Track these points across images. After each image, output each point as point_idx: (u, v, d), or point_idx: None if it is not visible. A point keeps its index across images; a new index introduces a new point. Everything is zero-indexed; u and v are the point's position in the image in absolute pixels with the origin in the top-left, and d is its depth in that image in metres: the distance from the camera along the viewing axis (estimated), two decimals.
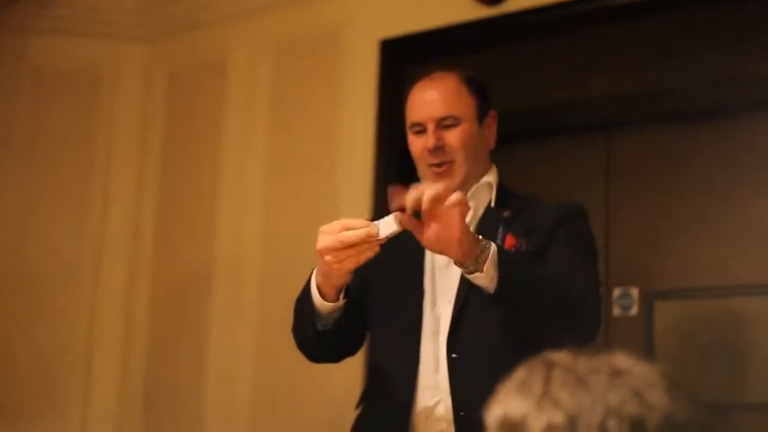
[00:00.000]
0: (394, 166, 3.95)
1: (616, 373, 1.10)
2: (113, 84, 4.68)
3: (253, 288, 4.22)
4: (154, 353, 4.44)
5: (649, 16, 3.63)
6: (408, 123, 2.47)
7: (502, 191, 2.46)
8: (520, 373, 1.15)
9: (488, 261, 2.07)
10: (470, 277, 2.12)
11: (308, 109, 4.26)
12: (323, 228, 2.14)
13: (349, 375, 3.63)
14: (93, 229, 4.56)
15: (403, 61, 4.05)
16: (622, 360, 1.11)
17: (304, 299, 2.33)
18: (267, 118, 4.35)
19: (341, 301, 2.28)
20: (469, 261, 2.08)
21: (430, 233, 2.06)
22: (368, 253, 2.11)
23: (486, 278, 2.09)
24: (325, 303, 2.27)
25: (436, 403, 2.29)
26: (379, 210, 3.94)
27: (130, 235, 4.58)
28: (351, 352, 2.52)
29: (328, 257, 2.12)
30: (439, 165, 2.40)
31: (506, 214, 2.39)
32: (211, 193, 4.42)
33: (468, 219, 2.38)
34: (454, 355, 2.28)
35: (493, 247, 2.09)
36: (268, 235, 4.24)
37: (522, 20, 3.84)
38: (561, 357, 1.14)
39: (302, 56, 4.33)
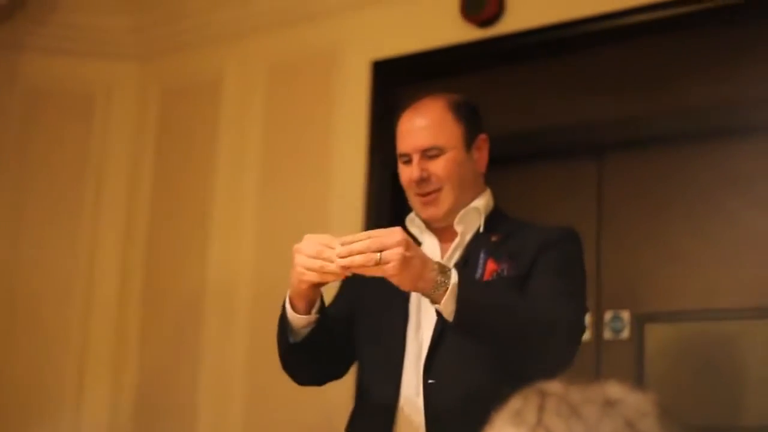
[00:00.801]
0: (387, 187, 3.96)
1: (610, 403, 1.10)
2: (106, 103, 4.69)
3: (245, 309, 4.21)
4: (146, 374, 4.43)
5: (641, 39, 3.65)
6: (397, 152, 2.48)
7: (495, 216, 2.46)
8: (514, 403, 1.16)
9: (447, 293, 2.08)
10: (434, 307, 2.13)
11: (301, 129, 4.27)
12: (299, 246, 2.17)
13: (340, 395, 3.62)
14: (85, 247, 4.56)
15: (395, 81, 4.07)
16: (615, 390, 1.12)
17: (282, 317, 2.33)
18: (260, 138, 4.36)
19: (313, 316, 2.28)
20: (427, 293, 2.10)
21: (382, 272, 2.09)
22: (330, 277, 2.14)
23: (445, 310, 2.09)
24: (296, 315, 2.27)
25: (417, 428, 2.28)
26: (372, 228, 3.96)
27: (122, 254, 4.58)
28: (335, 375, 2.51)
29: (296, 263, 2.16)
30: (424, 195, 2.41)
31: (495, 238, 2.39)
32: (204, 213, 4.42)
33: (455, 244, 2.41)
34: (431, 381, 2.28)
35: (454, 279, 2.09)
36: (260, 255, 4.24)
37: (514, 42, 3.86)
38: (554, 386, 1.14)
39: (295, 76, 4.34)
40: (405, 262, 2.03)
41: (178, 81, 4.68)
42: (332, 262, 2.10)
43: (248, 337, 4.17)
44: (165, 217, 4.56)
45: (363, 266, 2.05)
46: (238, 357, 4.18)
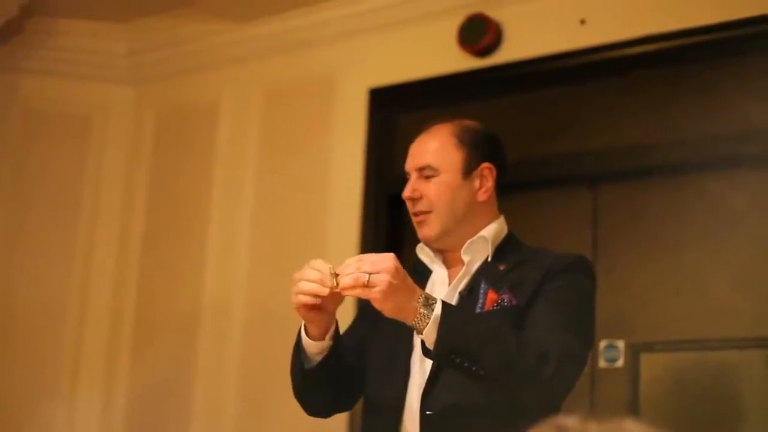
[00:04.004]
0: (383, 213, 3.98)
1: None
2: (103, 126, 4.71)
3: (239, 330, 4.22)
4: (138, 392, 4.42)
5: (637, 71, 3.68)
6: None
7: (507, 244, 2.45)
8: None
9: (429, 325, 2.08)
10: (420, 337, 2.13)
11: (297, 154, 4.28)
12: (297, 273, 2.19)
13: (335, 420, 3.63)
14: (80, 267, 4.57)
15: (392, 109, 4.08)
16: (633, 427, 1.13)
17: (297, 343, 2.34)
18: (256, 162, 4.37)
19: (327, 342, 2.28)
20: (409, 322, 2.10)
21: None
22: (320, 298, 2.15)
23: (427, 340, 2.10)
24: (310, 341, 2.28)
25: None
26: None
27: (117, 274, 4.58)
28: (344, 405, 2.51)
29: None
30: (417, 214, 2.42)
31: (502, 267, 2.37)
32: (199, 234, 4.42)
33: (461, 273, 2.39)
34: (428, 412, 2.27)
35: (437, 311, 2.08)
36: (255, 279, 4.24)
37: (510, 72, 3.88)
38: (572, 421, 1.15)
39: (292, 102, 4.36)
40: (391, 289, 2.04)
41: (173, 105, 4.69)
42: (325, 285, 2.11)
43: (241, 358, 4.17)
44: (160, 238, 4.56)
45: (352, 287, 2.06)
46: (231, 376, 4.18)
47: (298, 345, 2.32)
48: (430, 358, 2.15)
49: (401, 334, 2.35)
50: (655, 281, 3.57)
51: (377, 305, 2.08)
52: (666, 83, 3.65)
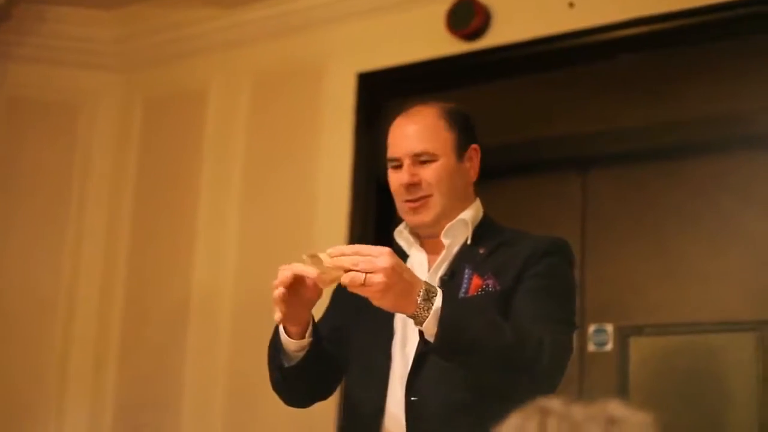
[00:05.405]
0: (371, 198, 3.97)
1: (612, 422, 1.11)
2: (91, 113, 4.69)
3: (228, 321, 4.21)
4: (127, 385, 4.41)
5: (626, 54, 3.67)
6: (387, 157, 2.46)
7: (484, 227, 2.43)
8: (514, 420, 1.16)
9: (429, 317, 2.05)
10: (417, 327, 2.11)
11: (286, 140, 4.27)
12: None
13: (322, 404, 3.62)
14: (68, 258, 4.55)
15: (380, 94, 4.07)
16: (617, 408, 1.12)
17: (275, 339, 2.32)
18: (244, 149, 4.36)
19: (306, 340, 2.27)
20: (409, 315, 2.08)
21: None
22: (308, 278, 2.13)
23: (427, 332, 2.07)
24: (290, 340, 2.26)
25: None
26: (356, 242, 3.97)
27: (105, 264, 4.57)
28: (323, 396, 2.48)
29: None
30: (414, 200, 2.39)
31: (482, 251, 2.37)
32: (187, 223, 4.41)
33: (441, 257, 2.39)
34: (413, 398, 2.26)
35: (437, 302, 2.06)
36: (244, 266, 4.23)
37: (500, 56, 3.87)
38: (556, 404, 1.15)
39: (280, 88, 4.34)
40: (388, 288, 2.01)
41: (162, 92, 4.67)
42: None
43: (231, 350, 4.16)
44: (148, 226, 4.55)
45: (349, 286, 2.04)
46: (221, 369, 4.17)
47: (276, 343, 2.30)
48: (429, 350, 2.12)
49: (379, 320, 2.33)
50: (644, 265, 3.57)
51: (375, 302, 2.07)
52: (655, 67, 3.64)
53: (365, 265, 2.02)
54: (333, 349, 2.39)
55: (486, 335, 2.11)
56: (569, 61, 3.76)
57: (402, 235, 2.48)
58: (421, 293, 2.06)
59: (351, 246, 2.10)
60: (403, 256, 2.43)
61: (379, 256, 2.03)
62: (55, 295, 4.51)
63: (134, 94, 4.71)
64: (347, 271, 2.04)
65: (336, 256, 2.07)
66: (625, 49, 3.68)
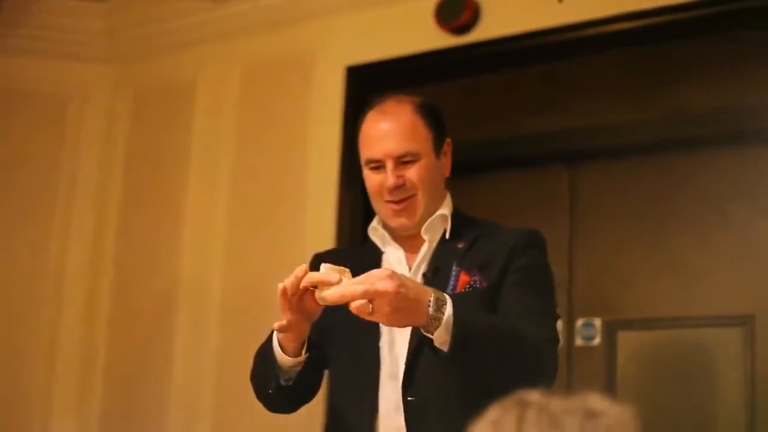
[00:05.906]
0: (360, 192, 3.95)
1: (591, 415, 1.10)
2: (80, 105, 4.66)
3: (216, 314, 4.19)
4: (114, 382, 4.40)
5: (615, 48, 3.67)
6: (363, 158, 2.40)
7: (458, 220, 2.41)
8: (492, 413, 1.15)
9: (441, 327, 2.01)
10: (427, 335, 2.06)
11: (274, 133, 4.26)
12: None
13: (314, 400, 3.62)
14: (55, 248, 4.52)
15: (369, 87, 4.05)
16: (596, 401, 1.12)
17: (267, 353, 2.27)
18: (234, 141, 4.35)
19: (303, 356, 2.24)
20: (420, 326, 2.03)
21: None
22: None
23: (438, 341, 2.03)
24: (287, 357, 2.23)
25: None
26: (344, 234, 3.97)
27: (93, 257, 4.55)
28: (308, 400, 2.44)
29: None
30: (397, 201, 2.35)
31: (461, 245, 2.35)
32: (176, 215, 4.40)
33: (422, 253, 2.37)
34: (410, 398, 2.24)
35: (448, 311, 2.01)
36: (231, 260, 4.22)
37: (488, 50, 3.86)
38: (534, 396, 1.14)
39: (269, 81, 4.33)
40: (395, 311, 1.96)
41: (151, 84, 4.65)
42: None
43: (219, 344, 4.15)
44: (136, 219, 4.53)
45: (357, 313, 1.98)
46: (208, 364, 4.16)
47: (269, 358, 2.25)
48: (441, 358, 2.06)
49: (365, 321, 2.30)
50: (632, 260, 3.57)
51: (387, 325, 2.06)
52: (645, 61, 3.64)
53: (372, 294, 1.95)
54: (320, 353, 2.35)
55: (490, 341, 2.09)
56: (558, 56, 3.76)
57: (377, 233, 2.45)
58: (431, 304, 2.00)
59: (357, 278, 2.01)
60: (378, 252, 2.42)
61: (383, 282, 1.96)
62: (41, 287, 4.48)
63: (123, 86, 4.70)
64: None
65: (335, 276, 2.03)
66: (613, 44, 3.67)
